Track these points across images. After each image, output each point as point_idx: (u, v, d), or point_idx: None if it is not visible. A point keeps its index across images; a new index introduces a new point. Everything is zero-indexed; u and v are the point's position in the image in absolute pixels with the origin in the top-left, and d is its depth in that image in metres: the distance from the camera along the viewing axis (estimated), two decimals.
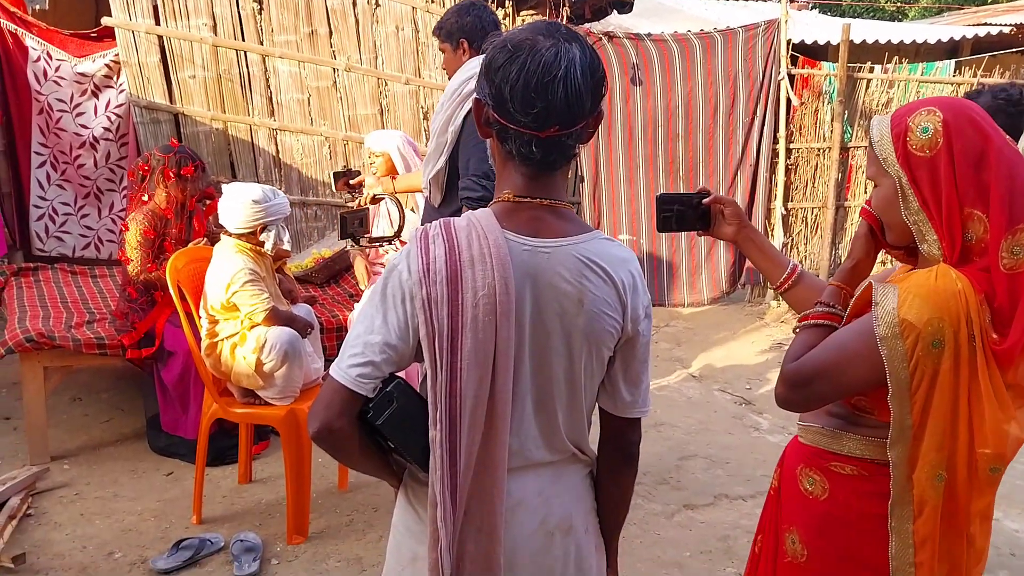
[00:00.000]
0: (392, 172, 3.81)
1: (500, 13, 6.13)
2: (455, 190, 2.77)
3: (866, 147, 1.51)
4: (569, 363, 1.34)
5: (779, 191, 6.89)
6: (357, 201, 3.69)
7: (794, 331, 1.62)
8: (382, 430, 1.31)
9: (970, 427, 1.40)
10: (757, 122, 6.75)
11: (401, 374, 1.36)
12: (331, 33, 5.83)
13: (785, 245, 6.99)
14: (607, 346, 1.36)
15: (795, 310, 1.75)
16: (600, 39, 6.54)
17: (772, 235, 6.95)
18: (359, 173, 3.84)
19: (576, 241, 1.33)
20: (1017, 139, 3.12)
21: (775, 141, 6.80)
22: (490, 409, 1.28)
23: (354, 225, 3.47)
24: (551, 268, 1.30)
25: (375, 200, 3.67)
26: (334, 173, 3.89)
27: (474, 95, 1.34)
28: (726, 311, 7.04)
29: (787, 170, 6.90)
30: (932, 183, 1.42)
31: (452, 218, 1.33)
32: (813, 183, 6.99)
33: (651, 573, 3.18)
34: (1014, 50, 8.27)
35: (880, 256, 1.67)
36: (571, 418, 1.39)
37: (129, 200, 3.95)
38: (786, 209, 6.97)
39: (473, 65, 2.70)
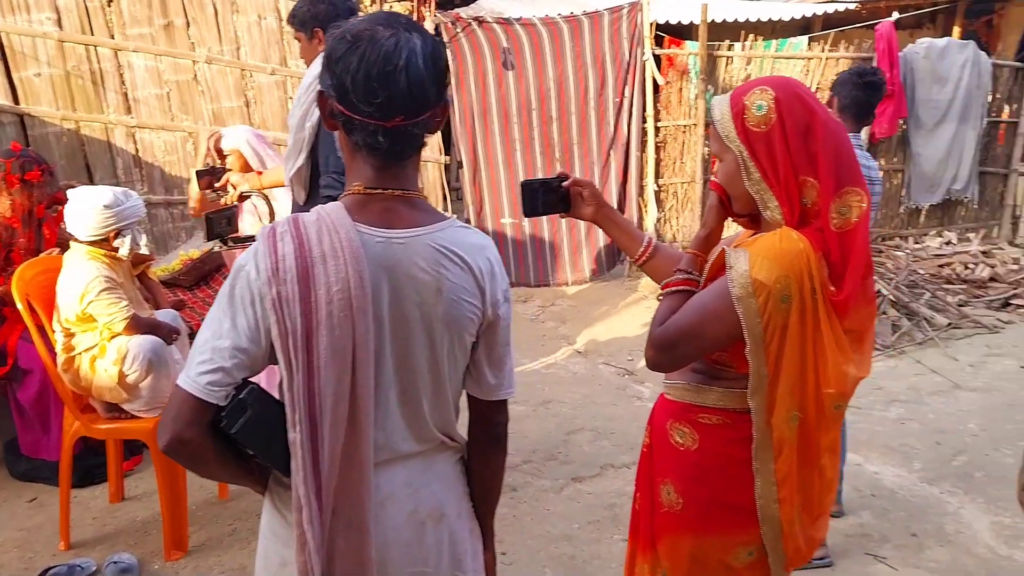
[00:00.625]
0: (246, 168, 3.69)
1: (367, 0, 6.04)
2: (317, 188, 2.72)
3: None
4: (431, 352, 1.34)
5: (650, 168, 7.09)
6: (223, 200, 3.56)
7: (658, 298, 1.74)
8: (238, 439, 1.27)
9: (816, 371, 1.55)
10: (626, 102, 6.90)
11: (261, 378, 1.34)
12: (188, 24, 5.58)
13: (659, 220, 7.22)
14: (469, 332, 1.37)
15: (654, 280, 1.86)
16: (470, 24, 6.53)
17: (647, 211, 7.16)
18: (224, 171, 3.71)
19: (431, 230, 1.33)
20: (875, 106, 3.39)
21: (644, 120, 6.97)
22: (352, 405, 1.26)
23: (221, 225, 3.37)
24: (407, 258, 1.30)
25: (243, 197, 3.56)
26: (196, 172, 3.74)
27: (318, 88, 1.32)
28: (607, 287, 7.22)
29: (657, 148, 7.11)
30: (769, 155, 1.55)
31: (301, 214, 1.30)
32: (682, 159, 7.24)
33: (541, 548, 3.25)
34: (859, 25, 8.78)
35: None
36: (437, 407, 1.39)
37: None
38: (658, 185, 7.19)
39: None
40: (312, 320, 1.23)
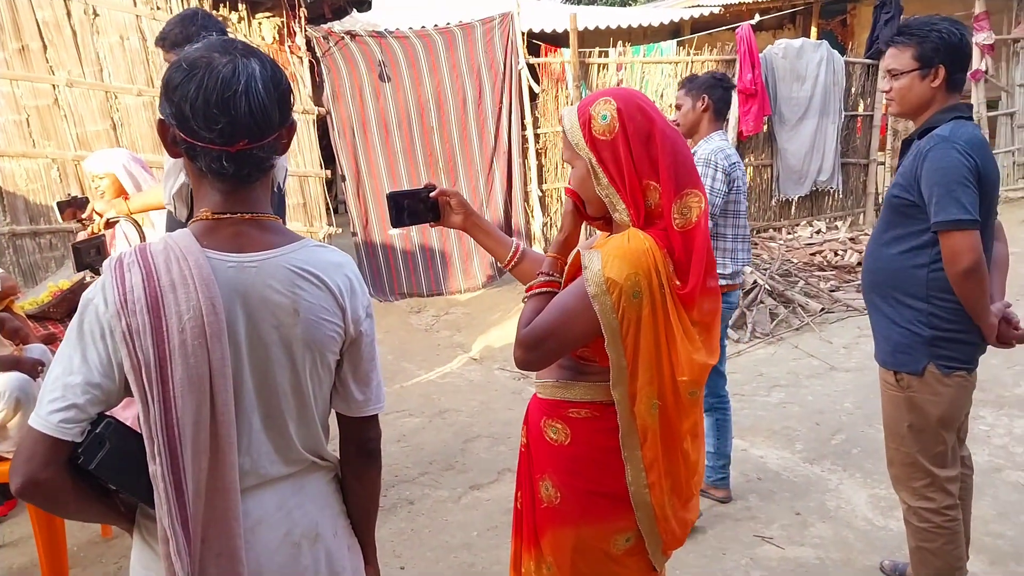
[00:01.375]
0: (121, 193, 3.58)
1: (235, 16, 5.93)
2: None
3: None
4: (293, 374, 1.35)
5: (533, 175, 7.24)
6: (89, 229, 3.44)
7: (523, 300, 1.80)
8: (97, 474, 1.25)
9: (671, 360, 1.65)
10: (504, 110, 7.03)
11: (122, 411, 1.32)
12: (45, 47, 5.33)
13: (545, 224, 7.37)
14: (331, 351, 1.38)
15: (523, 283, 1.92)
16: (343, 38, 6.51)
17: (532, 216, 7.30)
18: (87, 201, 3.58)
19: (284, 252, 1.34)
20: (729, 107, 3.60)
21: (524, 127, 7.13)
22: (213, 433, 1.26)
23: (91, 255, 3.24)
24: (261, 282, 1.30)
25: (110, 224, 3.45)
26: (58, 203, 3.59)
27: (158, 116, 1.32)
28: (500, 292, 7.30)
29: (538, 154, 7.27)
30: (615, 161, 1.65)
31: (148, 243, 1.30)
32: (563, 165, 7.41)
33: (440, 559, 3.27)
34: (724, 28, 9.24)
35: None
36: (304, 428, 1.40)
37: None
38: (541, 191, 7.34)
39: None
40: (165, 350, 1.22)
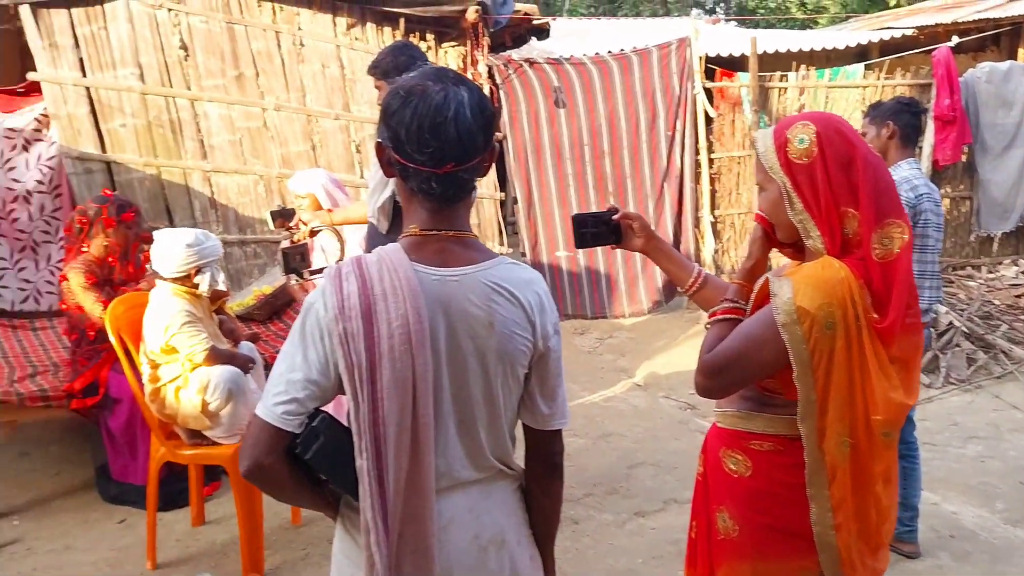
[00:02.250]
0: (317, 209, 3.90)
1: (423, 46, 6.29)
2: (401, 217, 2.94)
3: None
4: (486, 383, 1.42)
5: (706, 200, 7.14)
6: (295, 237, 3.77)
7: (706, 327, 1.80)
8: (311, 464, 1.37)
9: (865, 397, 1.58)
10: (678, 135, 6.99)
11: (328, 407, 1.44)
12: (258, 75, 5.92)
13: (716, 251, 7.24)
14: (521, 364, 1.44)
15: (703, 310, 1.92)
16: (521, 65, 6.74)
17: (703, 242, 7.19)
18: (294, 212, 3.93)
19: (482, 267, 1.41)
20: (920, 134, 3.43)
21: (697, 152, 7.05)
22: (413, 434, 1.34)
23: (296, 260, 3.55)
24: (461, 295, 1.38)
25: (313, 233, 3.77)
26: (271, 212, 3.96)
27: (376, 139, 1.44)
28: (666, 319, 7.20)
29: (712, 179, 7.16)
30: (811, 186, 1.62)
31: (363, 255, 1.41)
32: (738, 190, 7.27)
33: None
34: (917, 51, 8.72)
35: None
36: (493, 436, 1.46)
37: (67, 252, 3.98)
38: (714, 217, 7.22)
39: None
40: (375, 354, 1.32)
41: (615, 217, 1.95)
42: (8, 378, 3.96)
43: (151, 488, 3.31)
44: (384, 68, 3.09)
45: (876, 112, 3.37)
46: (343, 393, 1.36)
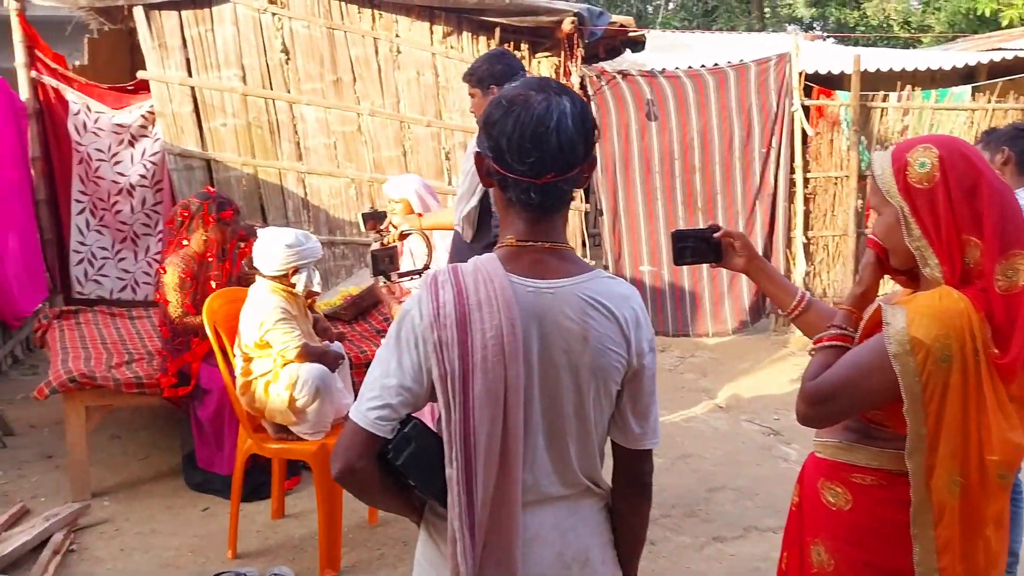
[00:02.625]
0: (409, 213, 3.92)
1: (517, 55, 6.31)
2: (485, 227, 2.97)
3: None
4: (578, 398, 1.40)
5: (799, 220, 6.95)
6: (385, 239, 3.80)
7: (810, 352, 1.72)
8: (402, 470, 1.38)
9: (979, 436, 1.50)
10: (773, 153, 6.83)
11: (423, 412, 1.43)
12: (355, 80, 6.04)
13: (807, 273, 7.02)
14: (614, 380, 1.42)
15: (806, 335, 1.85)
16: (614, 77, 6.69)
17: (794, 264, 6.99)
18: (385, 215, 3.95)
19: (578, 281, 1.39)
20: None
21: (792, 171, 6.87)
22: (503, 446, 1.33)
23: (384, 263, 3.54)
24: (556, 308, 1.37)
25: (403, 236, 3.79)
26: (362, 214, 4.00)
27: (475, 149, 1.44)
28: (751, 340, 7.04)
29: (806, 199, 6.97)
30: (931, 212, 1.54)
31: (460, 264, 1.41)
32: (833, 211, 7.04)
33: None
34: None
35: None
36: (583, 452, 1.43)
37: (168, 244, 4.13)
38: (807, 238, 7.02)
39: None
40: (468, 363, 1.31)
41: (716, 235, 1.90)
42: (106, 363, 4.11)
43: (236, 479, 3.38)
44: (480, 76, 3.10)
45: (991, 137, 3.22)
46: (434, 400, 1.36)
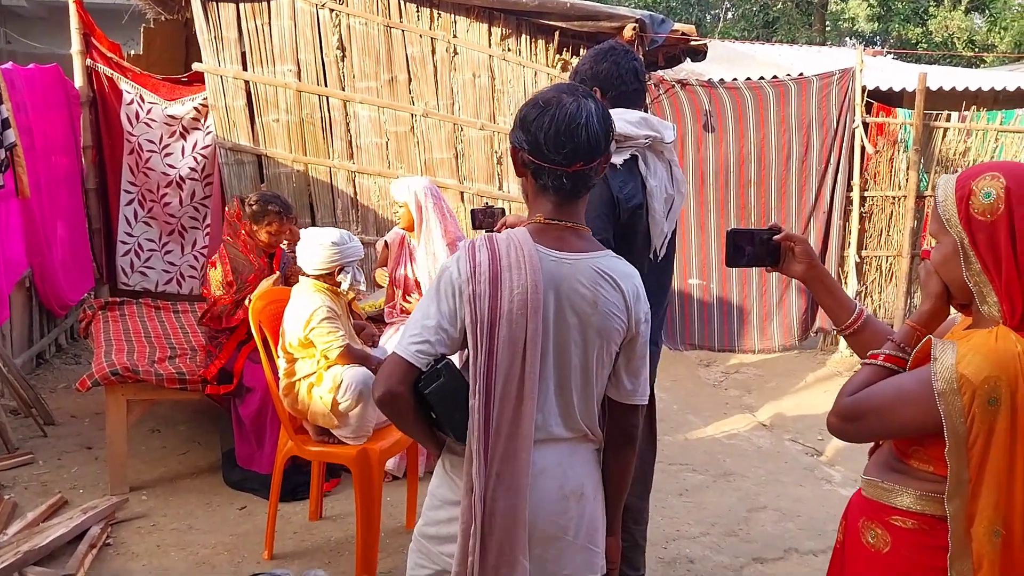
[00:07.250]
0: (412, 222, 3.84)
1: (575, 60, 6.21)
2: None
3: None
4: (584, 354, 1.65)
5: (853, 239, 6.77)
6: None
7: (861, 363, 1.66)
8: (429, 399, 1.59)
9: None
10: (831, 169, 6.67)
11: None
12: (410, 80, 5.99)
13: (859, 293, 6.84)
14: (615, 342, 1.68)
15: (857, 354, 1.77)
16: (673, 87, 6.57)
17: (846, 283, 6.81)
18: (503, 212, 3.41)
19: (593, 256, 1.67)
20: None
21: (849, 189, 6.70)
22: (519, 386, 1.59)
23: (483, 218, 3.24)
24: (572, 276, 1.63)
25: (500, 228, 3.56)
26: (472, 211, 3.57)
27: (510, 143, 1.67)
28: (798, 359, 6.91)
29: (861, 218, 6.79)
30: (991, 247, 1.46)
31: (495, 233, 1.66)
32: (888, 231, 6.85)
33: None
34: None
35: None
36: (584, 402, 1.69)
37: (223, 234, 4.12)
38: (860, 257, 6.84)
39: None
40: (497, 314, 1.57)
41: (776, 237, 1.80)
42: (149, 358, 4.11)
43: (276, 479, 3.34)
44: (582, 75, 2.67)
45: None
46: (465, 347, 1.63)
